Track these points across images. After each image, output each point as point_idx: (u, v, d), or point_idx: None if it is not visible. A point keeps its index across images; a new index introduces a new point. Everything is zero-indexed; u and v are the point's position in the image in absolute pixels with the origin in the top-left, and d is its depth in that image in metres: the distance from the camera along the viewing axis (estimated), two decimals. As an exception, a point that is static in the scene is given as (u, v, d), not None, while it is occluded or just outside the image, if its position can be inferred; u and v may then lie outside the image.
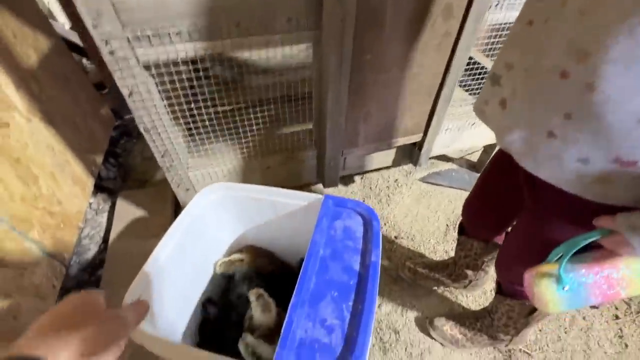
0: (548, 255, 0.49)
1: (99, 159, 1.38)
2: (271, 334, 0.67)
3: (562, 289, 0.45)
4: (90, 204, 1.32)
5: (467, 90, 1.29)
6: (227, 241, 0.89)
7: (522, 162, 0.51)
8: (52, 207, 1.03)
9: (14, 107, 0.97)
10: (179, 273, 0.71)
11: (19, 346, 0.31)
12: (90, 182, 1.28)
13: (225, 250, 0.90)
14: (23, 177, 0.94)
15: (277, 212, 0.78)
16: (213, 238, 0.83)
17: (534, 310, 0.77)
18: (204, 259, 0.83)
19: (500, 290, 0.84)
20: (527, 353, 0.97)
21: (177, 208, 1.32)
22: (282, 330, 0.46)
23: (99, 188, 1.38)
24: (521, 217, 0.68)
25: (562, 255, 0.46)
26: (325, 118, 0.89)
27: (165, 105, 0.78)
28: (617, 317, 1.05)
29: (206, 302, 0.80)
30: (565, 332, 1.02)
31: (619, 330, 1.02)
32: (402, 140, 1.07)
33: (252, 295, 0.70)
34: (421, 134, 1.08)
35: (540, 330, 1.02)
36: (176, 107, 0.80)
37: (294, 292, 0.50)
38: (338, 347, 0.45)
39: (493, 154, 0.78)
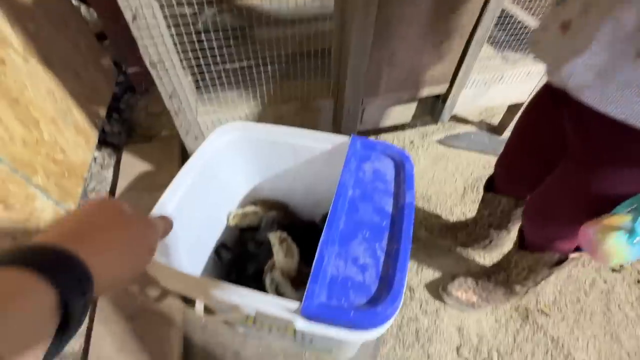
0: (596, 209, 0.47)
1: (102, 111, 1.32)
2: (294, 282, 0.64)
3: (632, 241, 0.43)
4: (95, 158, 1.27)
5: (495, 45, 1.19)
6: (241, 191, 0.84)
7: (584, 96, 0.45)
8: (55, 155, 0.98)
9: (9, 44, 0.90)
10: (191, 218, 0.67)
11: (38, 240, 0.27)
12: (93, 134, 1.23)
13: (238, 202, 0.85)
14: (23, 120, 0.89)
15: (297, 157, 0.72)
16: (226, 185, 0.78)
17: (561, 261, 0.74)
18: (217, 208, 0.79)
19: (522, 245, 0.80)
20: (545, 313, 0.95)
21: (184, 161, 1.27)
22: (313, 266, 0.42)
23: (103, 143, 1.33)
24: (563, 168, 0.62)
25: (636, 207, 0.44)
26: (347, 58, 0.81)
27: (172, 35, 0.70)
28: (639, 282, 1.02)
29: (220, 248, 0.77)
30: (585, 294, 0.99)
31: (641, 294, 0.99)
32: (426, 91, 1.00)
33: (275, 238, 0.66)
34: (447, 85, 1.01)
35: (559, 292, 0.99)
36: (186, 43, 0.73)
37: (324, 229, 0.46)
38: (373, 286, 0.42)
39: (530, 99, 0.71)
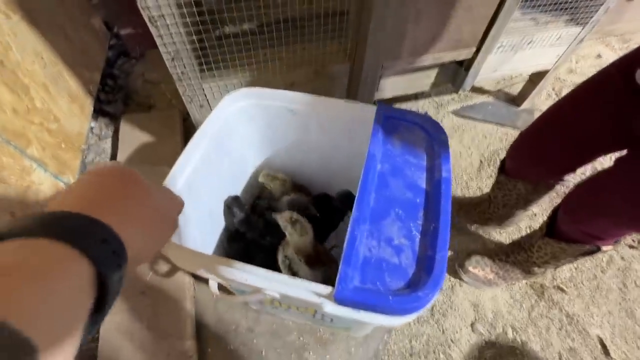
0: None
1: (96, 77, 1.23)
2: (309, 260, 0.61)
3: None
4: (91, 128, 1.20)
5: (524, 5, 1.08)
6: (253, 163, 0.78)
7: None
8: (49, 124, 0.91)
9: (-13, -3, 0.80)
10: (202, 192, 0.62)
11: (51, 206, 0.23)
12: (88, 102, 1.14)
13: (250, 174, 0.80)
14: (11, 85, 0.81)
15: (313, 127, 0.66)
16: (238, 157, 0.73)
17: (590, 252, 0.71)
18: (228, 180, 0.74)
19: (551, 232, 0.77)
20: (562, 290, 0.93)
21: (186, 133, 1.20)
22: (344, 247, 0.38)
23: (99, 113, 1.25)
24: (629, 164, 0.57)
25: None
26: (368, 15, 0.72)
27: (173, -14, 0.61)
28: (656, 258, 1.00)
29: (232, 201, 0.72)
30: (602, 271, 0.97)
31: (658, 271, 0.98)
32: (451, 55, 0.91)
33: (285, 220, 0.62)
34: (473, 49, 0.92)
35: (576, 268, 0.98)
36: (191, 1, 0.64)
37: (355, 206, 0.41)
38: (410, 269, 0.38)
39: (590, 80, 0.63)
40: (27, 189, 0.80)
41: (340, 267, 0.37)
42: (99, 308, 0.21)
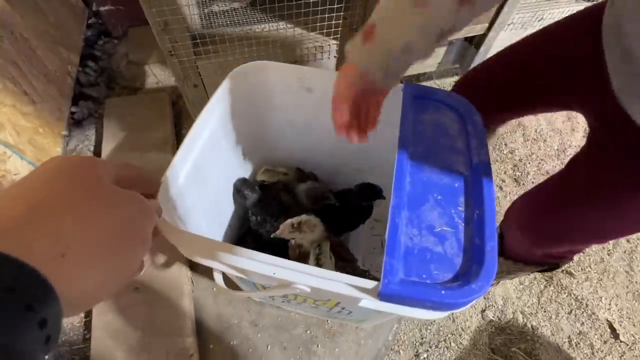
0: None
1: (74, 57, 1.13)
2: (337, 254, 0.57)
3: None
4: (73, 113, 1.10)
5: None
6: (261, 146, 0.72)
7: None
8: (23, 106, 0.82)
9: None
10: (208, 180, 0.56)
11: None
12: (67, 84, 1.05)
13: (258, 158, 0.74)
14: (-24, 62, 0.72)
15: (330, 107, 0.60)
16: (246, 139, 0.66)
17: (549, 269, 0.66)
18: (235, 166, 0.67)
19: (501, 252, 0.67)
20: (570, 274, 0.92)
21: (177, 117, 1.12)
22: (386, 237, 0.34)
23: (80, 96, 1.15)
24: (585, 160, 0.48)
25: None
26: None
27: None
28: (660, 240, 1.00)
29: (241, 185, 0.66)
30: (609, 254, 0.97)
31: (662, 253, 0.98)
32: (462, 31, 0.86)
33: (288, 233, 0.56)
34: (486, 25, 0.87)
35: (583, 252, 0.96)
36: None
37: (392, 192, 0.37)
38: (456, 259, 0.34)
39: (550, 25, 0.53)
40: (1, 178, 0.72)
41: (384, 259, 0.33)
42: None
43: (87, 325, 0.77)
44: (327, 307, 0.55)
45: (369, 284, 0.32)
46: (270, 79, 0.58)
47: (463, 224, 0.37)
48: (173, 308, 0.76)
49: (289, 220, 0.57)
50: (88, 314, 0.78)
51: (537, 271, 0.69)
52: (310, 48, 0.82)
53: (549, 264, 0.66)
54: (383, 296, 0.32)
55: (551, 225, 0.55)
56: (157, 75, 1.26)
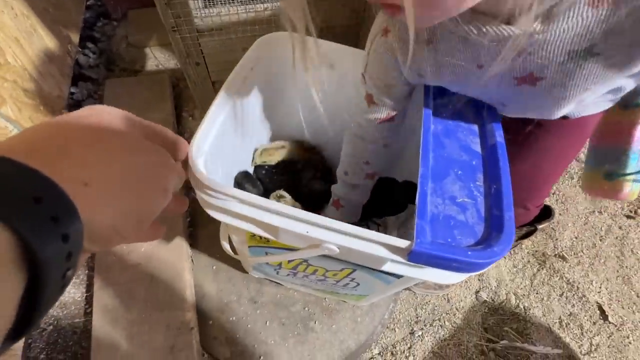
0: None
1: (74, 37, 1.12)
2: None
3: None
4: (72, 93, 1.10)
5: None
6: (274, 121, 0.72)
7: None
8: (24, 83, 0.82)
9: None
10: (225, 156, 0.57)
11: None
12: (67, 63, 1.04)
13: (269, 136, 0.74)
14: (-24, 35, 0.71)
15: (350, 85, 0.61)
16: (262, 115, 0.66)
17: (528, 234, 0.73)
18: (250, 141, 0.67)
19: None
20: (563, 257, 0.94)
21: (177, 99, 1.12)
22: (417, 202, 0.36)
23: (80, 77, 1.15)
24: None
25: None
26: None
27: None
28: (651, 227, 1.02)
29: (242, 179, 0.67)
30: (601, 240, 0.99)
31: (653, 239, 1.00)
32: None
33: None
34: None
35: (576, 237, 0.99)
36: None
37: (420, 162, 0.40)
38: (477, 227, 0.37)
39: None
40: (2, 152, 0.73)
41: (416, 222, 0.35)
42: (32, 301, 0.14)
43: (89, 300, 0.78)
44: (335, 280, 0.56)
45: (402, 242, 0.34)
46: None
47: (482, 197, 0.39)
48: (173, 283, 0.77)
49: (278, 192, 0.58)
50: (89, 289, 0.79)
51: (520, 238, 0.73)
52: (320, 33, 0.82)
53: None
54: (414, 255, 0.34)
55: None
56: (158, 58, 1.26)
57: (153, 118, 1.03)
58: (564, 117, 0.47)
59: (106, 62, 1.25)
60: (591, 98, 0.37)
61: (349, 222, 0.36)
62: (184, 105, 1.12)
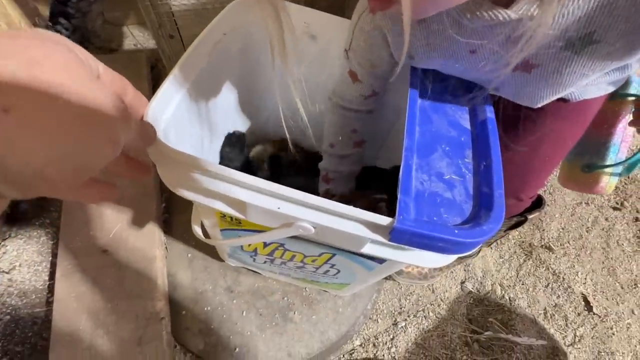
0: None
1: (43, 9, 1.05)
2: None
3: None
4: (40, 70, 1.03)
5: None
6: (248, 99, 0.67)
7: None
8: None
9: None
10: (190, 133, 0.52)
11: None
12: (34, 37, 0.97)
13: (247, 114, 0.69)
14: None
15: (333, 58, 0.56)
16: (236, 88, 0.61)
17: (518, 224, 0.72)
18: (222, 118, 0.62)
19: None
20: (549, 248, 0.93)
21: (155, 80, 1.07)
22: (400, 177, 0.33)
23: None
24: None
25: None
26: None
27: None
28: (637, 220, 1.02)
29: (227, 146, 0.62)
30: (587, 231, 0.98)
31: (638, 232, 0.99)
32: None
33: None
34: None
35: (563, 229, 0.97)
36: None
37: (405, 135, 0.37)
38: (465, 205, 0.34)
39: None
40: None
41: (399, 198, 0.32)
42: None
43: (51, 288, 0.73)
44: (314, 266, 0.53)
45: (384, 220, 0.31)
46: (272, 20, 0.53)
47: (470, 174, 0.36)
48: (144, 271, 0.73)
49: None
50: (52, 276, 0.73)
51: (509, 228, 0.72)
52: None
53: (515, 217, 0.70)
54: (396, 233, 0.30)
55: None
56: (136, 37, 1.19)
57: (128, 98, 0.98)
58: (564, 100, 0.44)
59: (80, 39, 1.17)
60: (590, 79, 0.35)
61: (341, 195, 0.33)
62: (162, 86, 1.06)
